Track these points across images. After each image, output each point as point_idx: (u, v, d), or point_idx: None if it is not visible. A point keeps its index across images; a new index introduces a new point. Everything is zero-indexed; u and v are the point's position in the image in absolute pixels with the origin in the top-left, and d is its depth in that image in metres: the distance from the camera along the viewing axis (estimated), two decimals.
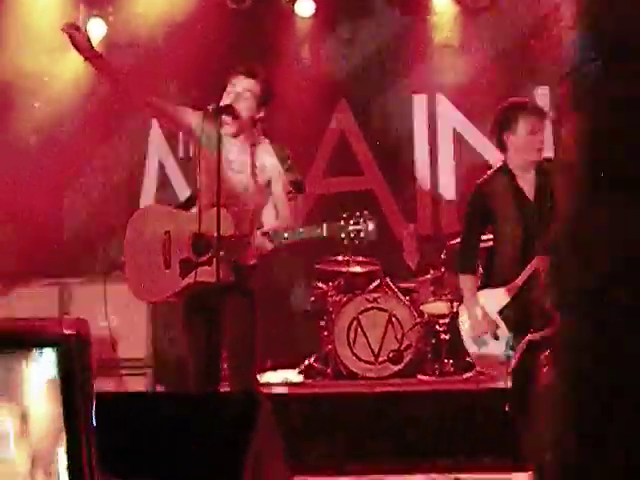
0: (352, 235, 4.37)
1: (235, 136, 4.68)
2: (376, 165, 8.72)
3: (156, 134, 9.18)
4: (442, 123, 8.74)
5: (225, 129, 4.59)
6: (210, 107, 4.53)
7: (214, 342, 4.61)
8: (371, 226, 4.39)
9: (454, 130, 8.70)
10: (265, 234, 4.51)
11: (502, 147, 4.83)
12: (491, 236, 4.96)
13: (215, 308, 4.47)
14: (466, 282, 4.91)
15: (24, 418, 2.17)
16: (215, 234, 4.34)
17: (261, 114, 4.73)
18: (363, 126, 8.78)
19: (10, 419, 2.22)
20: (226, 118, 4.56)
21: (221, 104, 4.59)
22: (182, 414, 3.05)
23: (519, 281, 4.68)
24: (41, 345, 2.18)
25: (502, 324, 4.74)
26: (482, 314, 4.78)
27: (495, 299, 4.77)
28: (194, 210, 4.62)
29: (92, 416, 2.23)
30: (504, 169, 4.82)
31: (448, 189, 8.60)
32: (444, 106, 8.72)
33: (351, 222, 4.37)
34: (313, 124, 8.78)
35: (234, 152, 4.69)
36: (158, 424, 2.95)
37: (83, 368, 2.19)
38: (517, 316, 4.69)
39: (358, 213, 4.39)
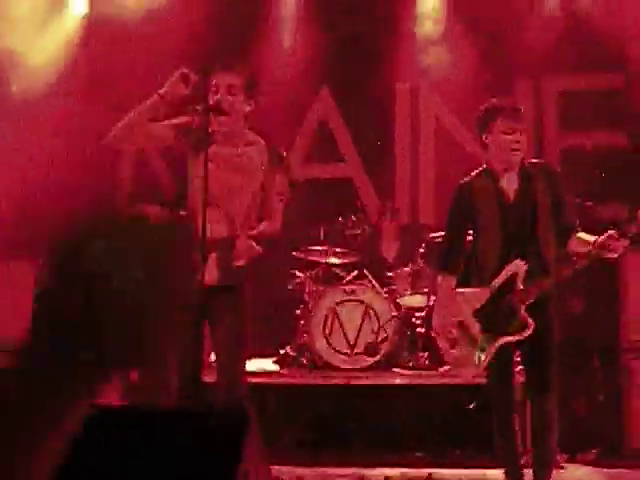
0: (349, 237, 4.43)
1: (226, 134, 4.63)
2: (356, 153, 8.70)
3: None
4: (424, 113, 8.72)
5: (215, 127, 4.54)
6: (198, 107, 4.47)
7: (200, 342, 4.61)
8: (369, 229, 4.45)
9: (436, 120, 8.69)
10: (255, 238, 4.51)
11: (484, 148, 4.86)
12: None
13: (204, 308, 4.46)
14: (444, 282, 4.91)
15: None
16: (207, 235, 4.32)
17: (250, 107, 4.68)
18: (345, 113, 8.76)
19: None
20: (215, 117, 4.51)
21: (209, 102, 4.54)
22: (167, 430, 3.02)
23: (496, 283, 4.71)
24: None
25: (476, 324, 4.76)
26: (453, 314, 4.80)
27: (471, 298, 4.79)
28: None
29: None
30: (487, 170, 4.85)
31: (428, 179, 8.58)
32: (427, 96, 8.70)
33: (349, 225, 4.42)
34: (295, 109, 8.75)
35: (227, 151, 4.63)
36: (141, 440, 2.92)
37: None
38: (492, 318, 4.72)
39: (354, 217, 4.44)
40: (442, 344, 4.91)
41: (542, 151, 8.29)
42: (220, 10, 8.50)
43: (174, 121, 4.62)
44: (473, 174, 4.92)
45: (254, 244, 4.52)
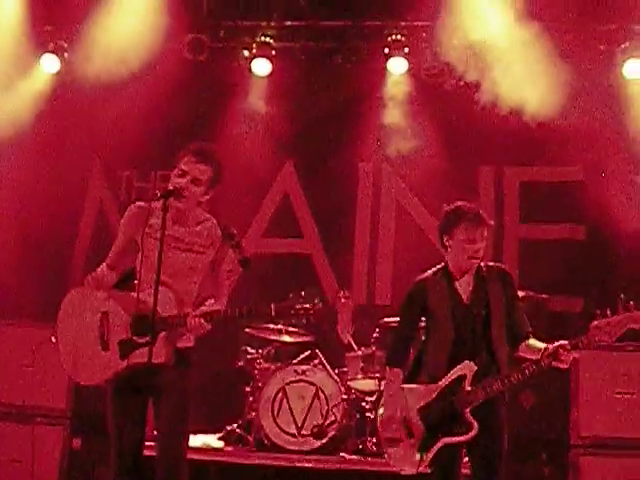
0: (301, 313, 4.39)
1: (179, 214, 4.63)
2: (316, 230, 8.69)
3: (98, 176, 9.08)
4: (385, 194, 8.75)
5: (172, 210, 4.55)
6: (159, 193, 4.47)
7: (142, 422, 4.55)
8: (320, 304, 4.41)
9: (397, 202, 8.71)
10: (205, 316, 4.47)
11: (444, 248, 4.86)
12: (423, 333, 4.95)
13: (149, 388, 4.41)
14: (392, 376, 4.88)
15: None
16: (157, 314, 4.30)
17: (207, 197, 4.70)
18: (307, 190, 8.77)
19: None
20: (174, 201, 4.51)
21: (170, 187, 4.54)
22: None
23: (443, 383, 4.68)
24: None
25: (420, 422, 4.71)
26: (399, 412, 4.75)
27: (418, 396, 4.75)
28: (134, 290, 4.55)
29: None
30: (444, 270, 4.85)
31: (386, 261, 8.58)
32: (389, 177, 8.74)
33: (300, 301, 4.39)
34: (258, 182, 8.76)
35: (180, 231, 4.64)
36: None
37: None
38: (436, 417, 4.67)
39: (304, 292, 4.41)
40: (383, 441, 4.87)
41: (501, 240, 8.35)
42: (193, 76, 8.54)
43: (129, 214, 4.66)
44: (430, 272, 4.91)
45: (203, 321, 4.49)
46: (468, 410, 4.58)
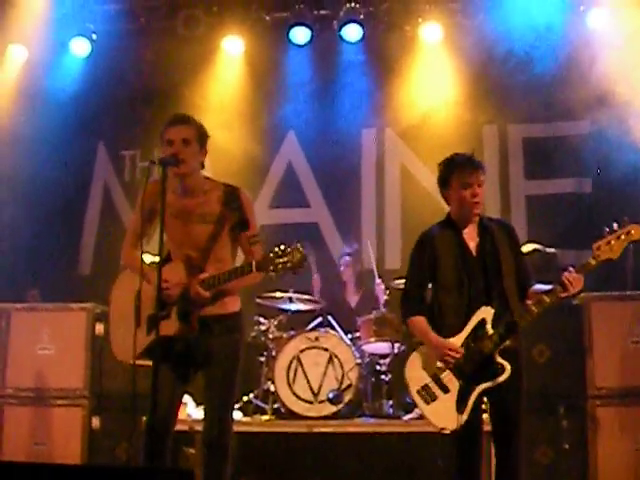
0: (280, 267, 4.33)
1: (188, 188, 4.64)
2: (322, 198, 8.69)
3: (102, 158, 9.11)
4: (390, 158, 8.73)
5: (179, 183, 4.60)
6: (156, 160, 4.45)
7: (176, 392, 4.61)
8: (297, 256, 4.33)
9: (402, 165, 8.70)
10: (200, 282, 4.48)
11: (446, 201, 4.86)
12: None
13: (193, 359, 4.55)
14: (417, 323, 4.79)
15: None
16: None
17: (204, 155, 4.70)
18: (311, 159, 8.75)
19: None
20: (176, 170, 4.50)
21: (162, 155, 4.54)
22: None
23: (465, 332, 4.64)
24: None
25: (451, 374, 4.66)
26: (428, 371, 4.72)
27: None
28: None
29: None
30: (449, 221, 4.84)
31: (394, 225, 8.57)
32: (393, 141, 8.72)
33: (278, 253, 4.34)
34: (262, 154, 8.76)
35: (191, 204, 4.65)
36: None
37: None
38: (467, 367, 4.63)
39: (283, 246, 4.36)
40: (418, 401, 4.78)
41: (508, 198, 8.34)
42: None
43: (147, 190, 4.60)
44: (436, 223, 4.91)
45: (200, 289, 4.48)
46: (497, 352, 4.57)
